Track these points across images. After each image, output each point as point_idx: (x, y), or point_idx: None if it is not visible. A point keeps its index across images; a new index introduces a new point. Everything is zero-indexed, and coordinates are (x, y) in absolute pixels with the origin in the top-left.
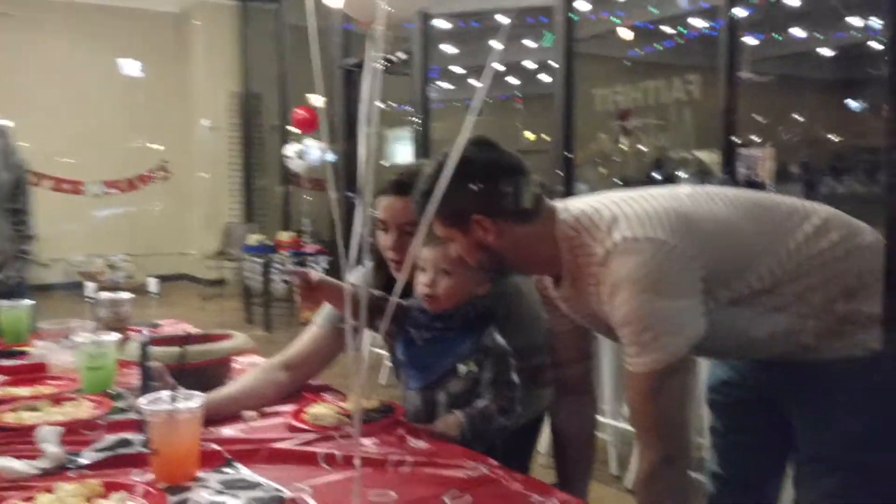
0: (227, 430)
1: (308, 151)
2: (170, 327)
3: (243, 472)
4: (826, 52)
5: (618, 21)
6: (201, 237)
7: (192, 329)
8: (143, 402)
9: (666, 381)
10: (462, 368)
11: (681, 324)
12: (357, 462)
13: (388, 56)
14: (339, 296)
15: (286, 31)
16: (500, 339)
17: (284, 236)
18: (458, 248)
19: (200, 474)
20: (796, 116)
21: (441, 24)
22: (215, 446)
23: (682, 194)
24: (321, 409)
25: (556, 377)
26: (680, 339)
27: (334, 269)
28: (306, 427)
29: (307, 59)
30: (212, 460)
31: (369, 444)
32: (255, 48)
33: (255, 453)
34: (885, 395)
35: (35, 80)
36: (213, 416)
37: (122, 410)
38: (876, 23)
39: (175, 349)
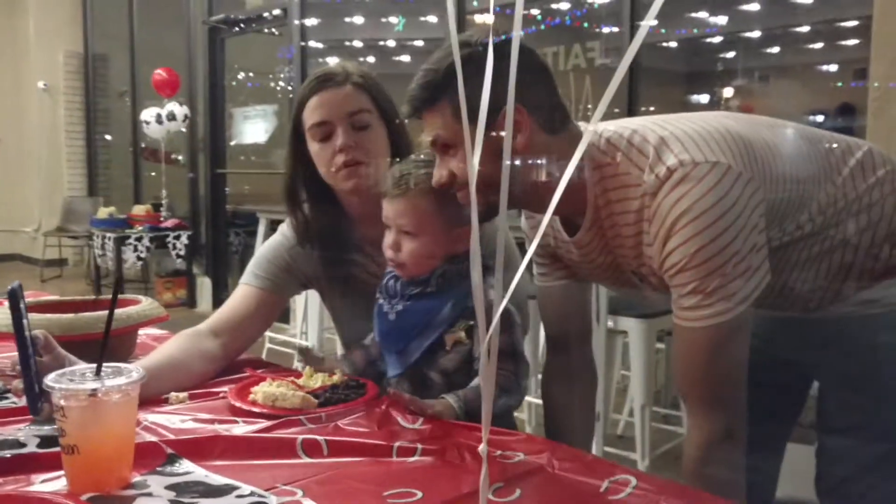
0: (154, 416)
1: (169, 116)
2: (32, 297)
3: (195, 470)
4: (671, 44)
5: (476, 3)
6: (37, 213)
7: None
8: (51, 379)
9: (732, 337)
10: (448, 339)
11: (751, 266)
12: (484, 468)
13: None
14: None
15: None
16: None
17: (139, 210)
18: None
19: (136, 477)
20: (645, 105)
21: None
22: (149, 437)
23: (723, 116)
24: (276, 389)
25: (551, 339)
26: (750, 284)
27: (195, 244)
28: (262, 410)
29: (160, 15)
30: (147, 456)
31: (347, 427)
32: (98, 2)
33: (207, 445)
34: None
35: None
36: None
37: None
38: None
39: (67, 316)
